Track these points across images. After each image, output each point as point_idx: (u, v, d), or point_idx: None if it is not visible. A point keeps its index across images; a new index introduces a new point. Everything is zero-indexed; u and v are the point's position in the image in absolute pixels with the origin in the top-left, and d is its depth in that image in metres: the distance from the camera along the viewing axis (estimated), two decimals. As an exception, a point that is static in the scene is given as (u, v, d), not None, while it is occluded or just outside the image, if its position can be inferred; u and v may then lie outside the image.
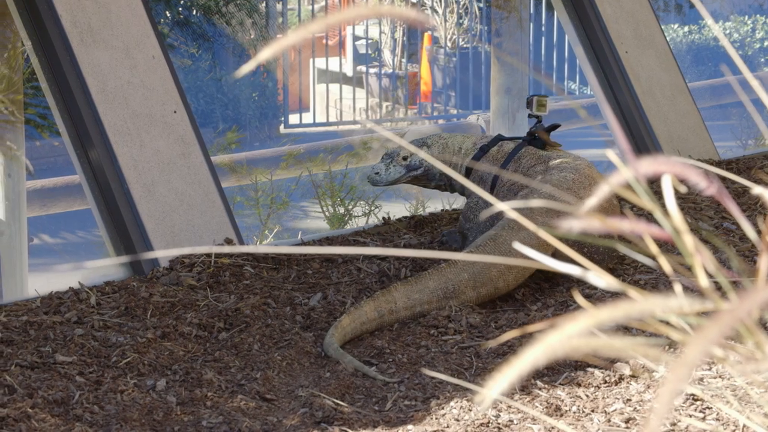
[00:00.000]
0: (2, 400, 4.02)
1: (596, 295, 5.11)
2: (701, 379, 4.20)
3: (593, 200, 1.47)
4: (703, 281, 1.49)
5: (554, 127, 5.90)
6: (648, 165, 1.38)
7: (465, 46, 16.80)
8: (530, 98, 5.98)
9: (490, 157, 5.72)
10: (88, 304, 4.97)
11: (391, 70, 17.07)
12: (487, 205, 5.58)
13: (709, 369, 4.30)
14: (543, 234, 1.65)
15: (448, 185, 5.85)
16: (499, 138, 5.82)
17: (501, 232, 5.17)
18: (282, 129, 15.60)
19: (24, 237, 7.58)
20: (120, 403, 4.21)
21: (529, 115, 5.96)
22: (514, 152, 5.70)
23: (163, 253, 5.36)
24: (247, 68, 1.87)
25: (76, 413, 4.08)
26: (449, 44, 16.87)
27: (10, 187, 7.54)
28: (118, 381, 4.36)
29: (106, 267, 5.51)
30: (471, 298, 5.14)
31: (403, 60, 17.23)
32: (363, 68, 17.35)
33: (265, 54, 1.72)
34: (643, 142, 7.45)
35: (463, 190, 5.83)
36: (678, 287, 1.56)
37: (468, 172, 5.74)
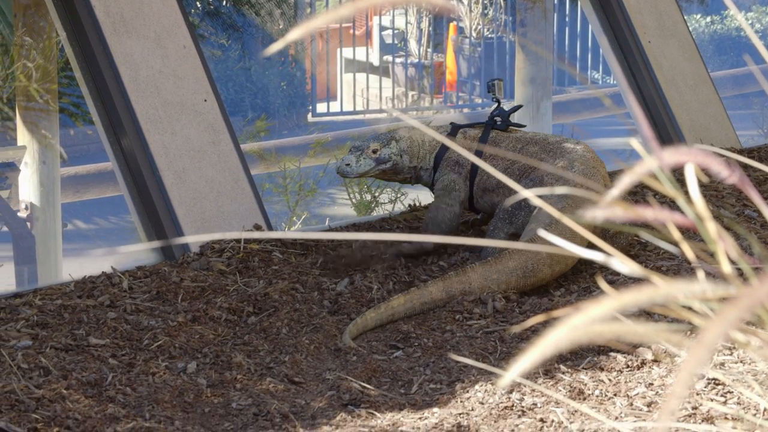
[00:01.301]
0: (38, 382, 4.04)
1: (619, 281, 5.10)
2: (722, 364, 4.19)
3: (616, 191, 1.46)
4: (726, 267, 1.49)
5: (516, 108, 5.88)
6: (671, 154, 1.37)
7: (490, 36, 16.78)
8: (492, 82, 5.96)
9: (459, 144, 5.69)
10: (120, 288, 4.99)
11: (416, 60, 17.06)
12: (459, 190, 5.64)
13: (731, 354, 4.29)
14: (567, 220, 1.65)
15: (414, 177, 5.79)
16: (456, 126, 5.76)
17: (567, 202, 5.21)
18: (310, 117, 15.62)
19: (58, 222, 7.62)
20: (152, 384, 4.23)
21: (492, 98, 5.93)
22: (484, 136, 5.69)
23: (193, 239, 5.37)
24: (276, 47, 1.87)
25: (109, 394, 4.10)
26: (474, 34, 16.85)
27: (44, 174, 7.58)
28: (150, 363, 4.38)
29: (138, 252, 5.53)
30: (546, 276, 5.19)
31: (429, 50, 17.21)
32: (389, 58, 17.35)
33: (294, 34, 1.72)
34: (665, 131, 7.43)
35: (430, 182, 5.77)
36: (701, 273, 1.56)
37: (436, 163, 5.71)
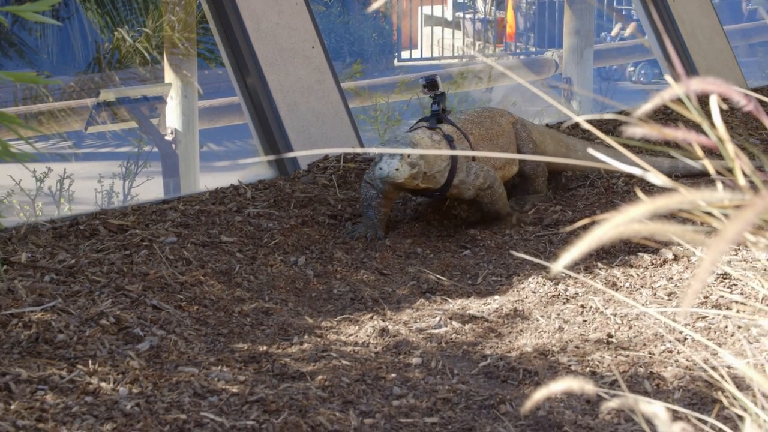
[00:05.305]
0: (181, 270, 4.10)
1: (653, 191, 5.04)
2: (729, 262, 4.15)
3: (648, 106, 1.43)
4: (741, 180, 1.46)
5: (444, 95, 5.07)
6: (698, 83, 1.35)
7: (543, -5, 16.65)
8: (433, 79, 5.03)
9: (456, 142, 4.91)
10: (245, 198, 5.03)
11: (483, 16, 16.93)
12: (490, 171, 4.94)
13: (736, 254, 4.24)
14: (609, 140, 1.62)
15: (425, 180, 4.75)
16: (428, 127, 4.93)
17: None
18: (396, 62, 15.59)
19: (196, 145, 7.67)
20: (270, 274, 4.26)
21: (438, 94, 5.02)
22: (458, 128, 4.98)
23: (304, 153, 5.39)
24: (377, 5, 1.85)
25: (237, 281, 4.14)
26: (530, -6, 16.72)
27: (185, 106, 7.62)
28: (269, 257, 4.42)
29: (259, 168, 5.56)
30: None
31: (493, 7, 17.07)
32: (461, 14, 17.25)
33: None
34: (686, 74, 7.32)
35: (444, 181, 4.82)
36: (720, 185, 1.53)
37: (453, 162, 4.83)
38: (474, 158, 4.94)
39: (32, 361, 3.21)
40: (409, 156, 4.63)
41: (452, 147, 4.85)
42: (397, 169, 4.59)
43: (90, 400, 2.99)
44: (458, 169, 4.84)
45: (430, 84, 5.04)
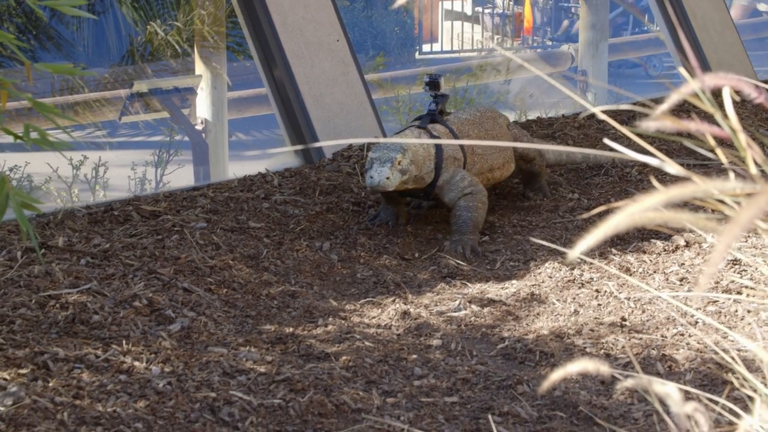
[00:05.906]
0: (211, 254, 4.11)
1: (667, 180, 5.02)
2: (740, 248, 4.13)
3: (665, 106, 1.43)
4: (753, 169, 1.45)
5: (447, 97, 4.94)
6: (711, 78, 1.34)
7: (559, -10, 16.58)
8: (436, 79, 4.88)
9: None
10: (272, 185, 5.03)
11: (501, 11, 16.88)
12: (477, 183, 4.69)
13: (746, 241, 4.22)
14: (625, 130, 1.61)
15: (413, 182, 4.58)
16: (422, 126, 4.77)
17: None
18: (417, 55, 15.58)
19: (225, 134, 7.70)
20: (296, 259, 4.27)
21: (438, 95, 4.87)
22: (451, 130, 4.81)
23: (329, 143, 5.39)
24: (400, 1, 1.85)
25: (264, 265, 4.15)
26: (547, -11, 16.65)
27: (215, 97, 7.65)
28: (295, 243, 4.42)
29: (286, 157, 5.56)
30: None
31: (511, 2, 17.02)
32: (480, 9, 17.21)
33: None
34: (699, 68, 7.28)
35: (430, 181, 4.65)
36: (732, 174, 1.52)
37: (438, 164, 4.64)
38: (465, 160, 4.77)
39: (69, 340, 3.23)
40: (399, 163, 4.42)
41: (438, 149, 4.64)
42: (387, 178, 4.37)
43: (124, 379, 3.01)
44: (443, 169, 4.65)
45: (433, 83, 4.91)
